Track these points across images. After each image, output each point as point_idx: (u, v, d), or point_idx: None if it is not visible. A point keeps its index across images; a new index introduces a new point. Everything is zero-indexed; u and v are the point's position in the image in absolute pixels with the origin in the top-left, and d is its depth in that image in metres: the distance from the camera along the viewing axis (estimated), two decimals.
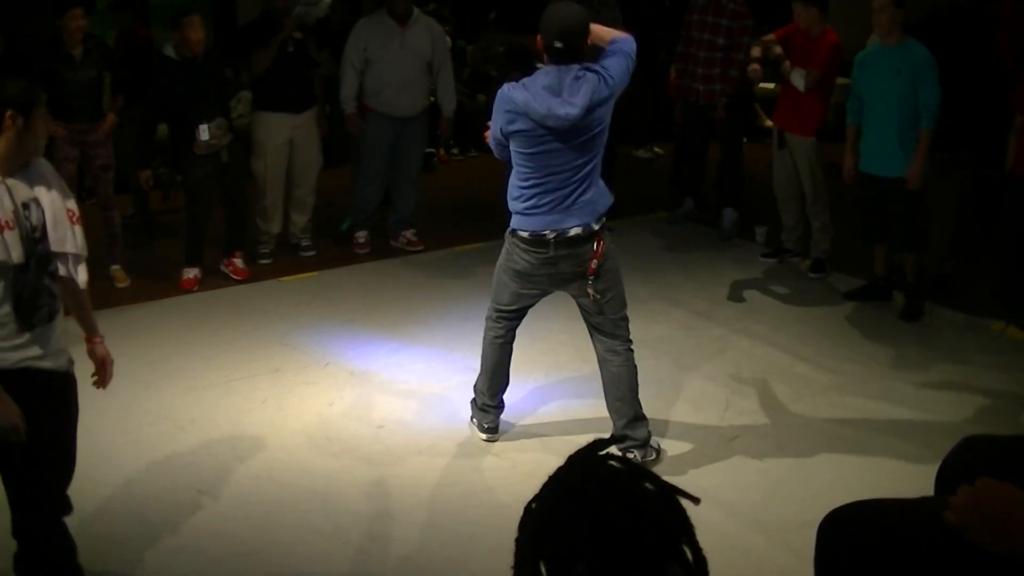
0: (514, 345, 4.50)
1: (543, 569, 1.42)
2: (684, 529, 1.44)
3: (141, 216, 7.61)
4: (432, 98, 7.10)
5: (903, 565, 1.53)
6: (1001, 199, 5.91)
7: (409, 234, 7.15)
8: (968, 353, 5.45)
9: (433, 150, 9.16)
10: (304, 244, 7.02)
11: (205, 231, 6.37)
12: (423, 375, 5.21)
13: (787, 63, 6.34)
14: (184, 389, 5.02)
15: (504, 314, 4.39)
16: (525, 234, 4.09)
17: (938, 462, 1.72)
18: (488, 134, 4.14)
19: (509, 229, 4.19)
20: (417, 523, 3.96)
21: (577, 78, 3.88)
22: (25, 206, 3.01)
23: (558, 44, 3.89)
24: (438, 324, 5.82)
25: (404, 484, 4.22)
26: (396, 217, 7.18)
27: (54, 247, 3.10)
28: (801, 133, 6.41)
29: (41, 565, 3.35)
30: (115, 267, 6.39)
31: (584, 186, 4.03)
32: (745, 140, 7.94)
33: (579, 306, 4.30)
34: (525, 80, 3.97)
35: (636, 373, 4.32)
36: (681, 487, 1.47)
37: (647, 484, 1.46)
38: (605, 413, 4.37)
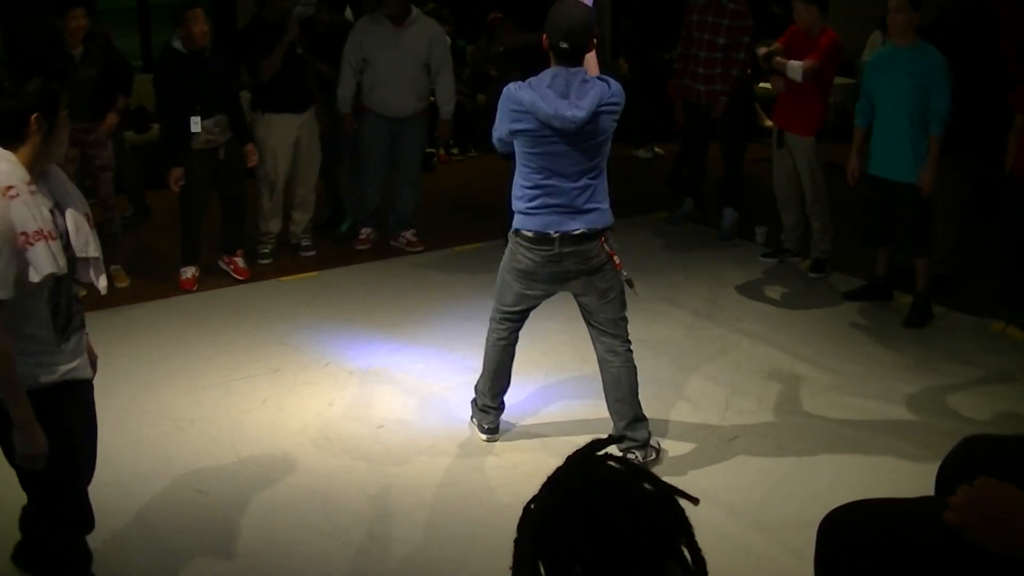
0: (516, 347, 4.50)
1: (542, 569, 1.42)
2: (683, 529, 1.44)
3: (141, 216, 7.61)
4: (432, 99, 7.09)
5: (903, 565, 1.53)
6: (1001, 199, 5.91)
7: (409, 234, 7.15)
8: (968, 353, 5.44)
9: (433, 150, 9.16)
10: (304, 244, 7.02)
11: (199, 228, 6.36)
12: (423, 375, 5.20)
13: (778, 58, 6.32)
14: (184, 389, 5.02)
15: (508, 315, 4.40)
16: (529, 233, 4.10)
17: (938, 462, 1.73)
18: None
19: (512, 229, 4.20)
20: (417, 523, 3.96)
21: (584, 82, 3.91)
22: (51, 212, 2.96)
23: (564, 45, 3.90)
24: (438, 324, 5.82)
25: (404, 484, 4.22)
26: (396, 217, 7.17)
27: (79, 252, 3.05)
28: (801, 133, 6.40)
29: (41, 565, 3.36)
30: (115, 267, 6.38)
31: (587, 195, 4.04)
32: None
33: (580, 306, 4.31)
34: (531, 80, 3.98)
35: (636, 374, 4.32)
36: (681, 487, 1.47)
37: (646, 484, 1.46)
38: (605, 414, 4.37)
